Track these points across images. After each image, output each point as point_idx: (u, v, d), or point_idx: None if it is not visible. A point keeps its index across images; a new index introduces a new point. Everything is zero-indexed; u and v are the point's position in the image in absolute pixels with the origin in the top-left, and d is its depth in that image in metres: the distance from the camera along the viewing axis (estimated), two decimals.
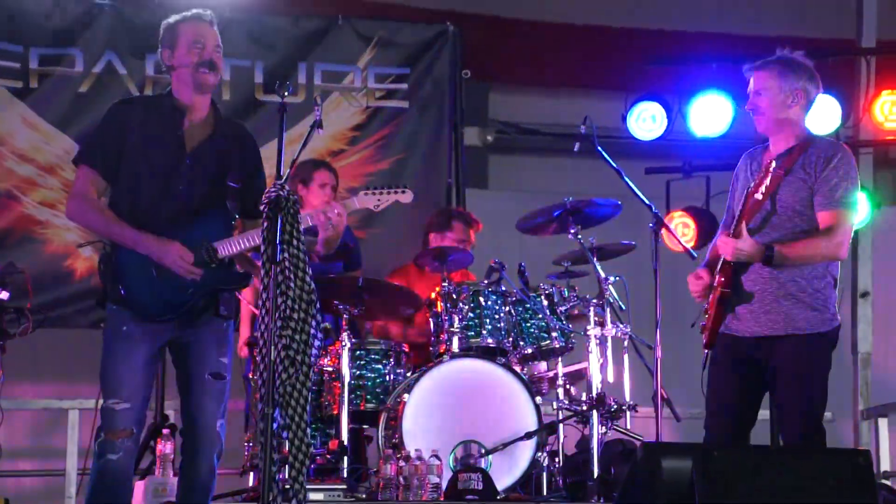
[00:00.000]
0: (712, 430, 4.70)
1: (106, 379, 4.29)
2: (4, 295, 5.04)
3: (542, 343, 5.87)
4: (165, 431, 5.73)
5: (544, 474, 5.58)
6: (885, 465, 7.22)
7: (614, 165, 5.93)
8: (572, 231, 5.94)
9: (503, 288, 5.90)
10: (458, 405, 5.54)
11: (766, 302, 4.62)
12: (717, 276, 4.69)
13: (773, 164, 4.59)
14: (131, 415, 4.26)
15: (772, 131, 4.73)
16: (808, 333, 4.59)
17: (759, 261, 4.58)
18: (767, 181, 4.58)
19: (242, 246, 4.38)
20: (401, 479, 5.21)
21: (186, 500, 4.36)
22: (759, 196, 4.59)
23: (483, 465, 5.36)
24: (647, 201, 5.92)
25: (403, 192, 4.82)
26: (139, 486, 5.45)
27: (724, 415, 4.68)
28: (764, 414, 6.33)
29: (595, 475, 5.48)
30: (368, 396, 5.71)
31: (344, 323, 5.65)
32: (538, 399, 5.67)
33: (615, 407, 5.71)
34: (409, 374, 5.72)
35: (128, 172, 4.36)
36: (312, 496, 5.13)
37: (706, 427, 4.74)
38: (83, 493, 6.59)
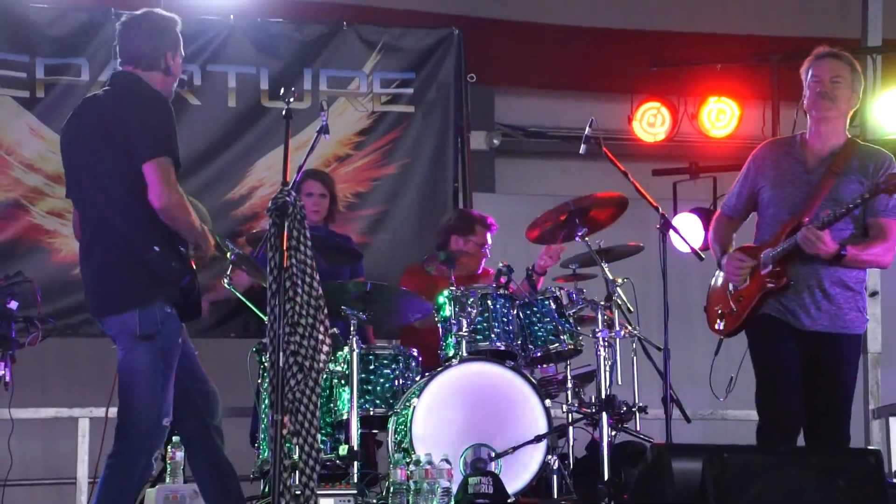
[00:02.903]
0: (784, 408, 4.63)
1: (166, 396, 4.36)
2: (13, 304, 5.04)
3: (551, 346, 5.86)
4: (176, 438, 5.73)
5: (554, 477, 5.57)
6: None
7: (621, 167, 5.92)
8: (579, 234, 5.94)
9: (511, 291, 5.89)
10: (468, 409, 5.53)
11: (817, 299, 4.64)
12: (768, 266, 4.67)
13: (832, 161, 4.62)
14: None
15: (831, 123, 4.75)
16: (853, 334, 4.63)
17: (829, 258, 4.56)
18: (821, 178, 4.60)
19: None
20: (411, 483, 5.20)
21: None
22: (814, 191, 4.60)
23: (493, 469, 5.35)
24: (654, 203, 5.91)
25: None
26: (150, 494, 5.46)
27: (795, 390, 4.62)
28: None
29: (605, 478, 5.46)
30: (378, 401, 5.71)
31: (352, 328, 5.64)
32: (548, 402, 5.66)
33: (625, 409, 5.69)
34: (418, 379, 5.72)
35: None
36: (323, 501, 5.13)
37: (773, 406, 4.65)
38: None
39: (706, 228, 7.55)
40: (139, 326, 4.33)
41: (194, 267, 4.47)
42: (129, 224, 4.36)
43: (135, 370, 4.38)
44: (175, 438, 5.73)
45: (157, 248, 4.29)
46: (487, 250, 6.44)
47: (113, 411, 6.75)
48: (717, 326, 4.85)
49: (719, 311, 4.84)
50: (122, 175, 4.35)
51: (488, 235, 6.47)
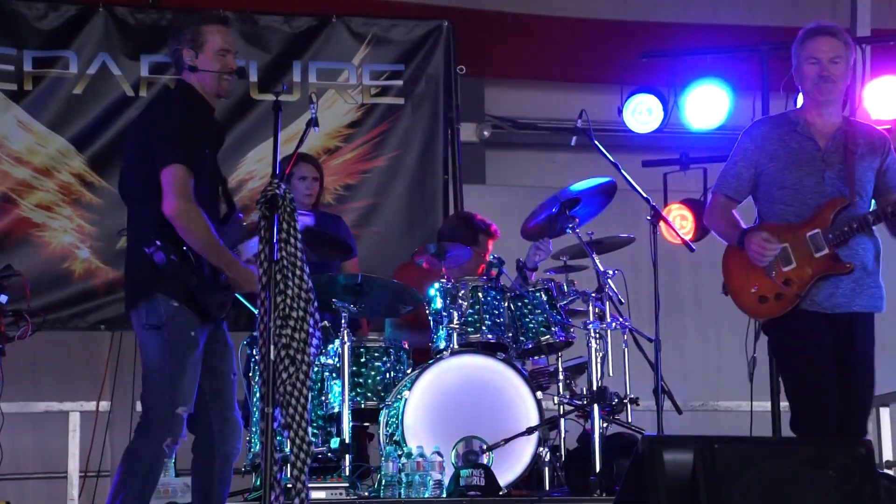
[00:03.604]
0: (823, 409, 4.56)
1: (178, 386, 4.38)
2: (3, 298, 5.02)
3: (542, 338, 5.86)
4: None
5: (546, 469, 5.58)
6: (886, 455, 7.22)
7: (611, 159, 5.93)
8: (570, 225, 5.94)
9: (502, 283, 5.90)
10: (459, 401, 5.54)
11: (854, 278, 4.62)
12: (823, 248, 4.61)
13: (844, 139, 4.61)
14: (183, 424, 4.43)
15: (833, 103, 4.73)
16: (876, 314, 4.63)
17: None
18: (842, 157, 4.60)
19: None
20: (403, 476, 5.21)
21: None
22: (844, 171, 4.59)
23: (485, 461, 5.36)
24: (644, 194, 5.92)
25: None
26: None
27: (832, 397, 4.56)
28: (765, 405, 6.39)
29: (597, 469, 5.48)
30: (369, 394, 5.71)
31: (343, 321, 5.64)
32: (539, 394, 5.67)
33: (616, 401, 5.71)
34: (409, 371, 5.72)
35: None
36: (315, 495, 5.13)
37: (816, 406, 4.57)
38: (86, 495, 6.62)
39: (697, 220, 7.56)
40: (145, 316, 4.41)
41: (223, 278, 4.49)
42: (144, 224, 4.47)
43: (146, 360, 4.47)
44: None
45: (158, 242, 4.33)
46: (488, 255, 6.42)
47: (104, 405, 6.81)
48: (759, 307, 4.68)
49: (756, 292, 4.68)
50: (145, 179, 4.44)
51: (491, 243, 6.46)
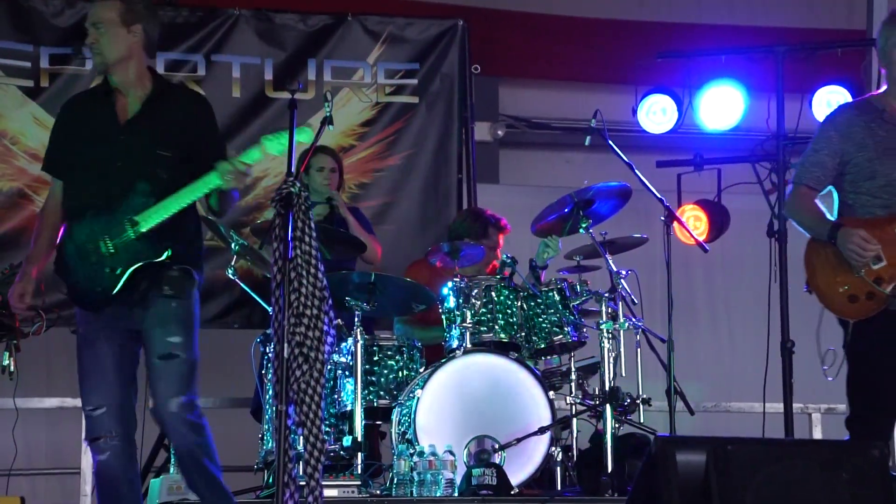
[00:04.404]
0: (880, 420, 4.49)
1: (82, 387, 4.41)
2: None
3: (555, 338, 5.86)
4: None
5: (558, 469, 5.58)
6: None
7: (625, 159, 5.93)
8: (583, 225, 5.94)
9: (515, 283, 5.90)
10: (472, 400, 5.54)
11: None
12: None
13: None
14: (107, 419, 4.34)
15: None
16: None
17: None
18: None
19: (168, 213, 4.32)
20: (415, 474, 5.22)
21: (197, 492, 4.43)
22: None
23: (497, 461, 5.36)
24: (658, 195, 5.92)
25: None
26: (155, 484, 5.48)
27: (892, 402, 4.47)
28: (777, 407, 6.38)
29: (609, 469, 5.48)
30: (382, 392, 5.72)
31: (357, 319, 5.65)
32: (551, 393, 5.67)
33: (628, 401, 5.70)
34: (422, 370, 5.73)
35: (68, 165, 4.45)
36: (327, 493, 5.14)
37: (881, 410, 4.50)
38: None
39: (710, 221, 7.55)
40: None
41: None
42: None
43: None
44: None
45: None
46: (499, 251, 6.43)
47: None
48: (848, 307, 4.48)
49: (845, 291, 4.49)
50: None
51: (501, 237, 6.46)
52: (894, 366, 4.50)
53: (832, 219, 4.60)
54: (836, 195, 4.68)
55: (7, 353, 4.94)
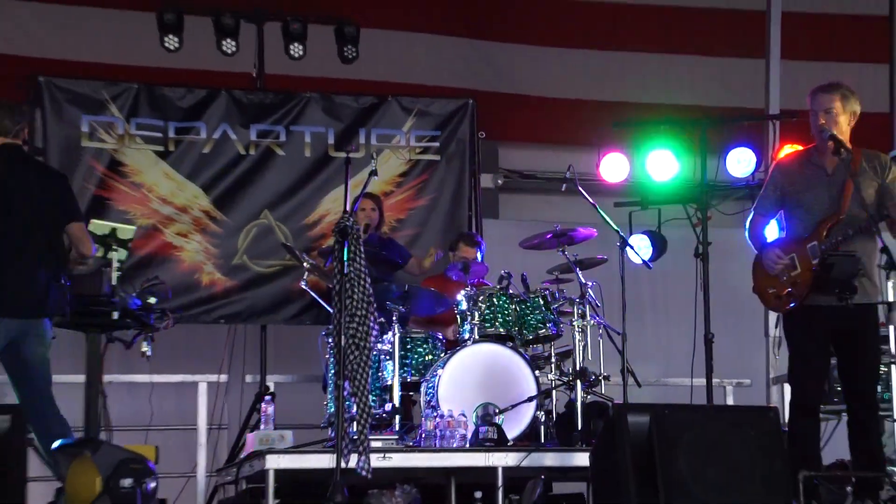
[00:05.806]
0: (808, 392, 4.41)
1: None
2: (153, 300, 5.08)
3: (540, 331, 5.86)
4: (267, 398, 5.77)
5: (542, 427, 5.57)
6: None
7: (591, 200, 5.94)
8: (560, 250, 5.95)
9: (510, 291, 5.90)
10: (479, 377, 5.53)
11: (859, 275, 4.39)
12: (817, 257, 4.38)
13: (847, 166, 4.38)
14: None
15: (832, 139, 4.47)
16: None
17: None
18: (844, 180, 4.38)
19: None
20: (437, 431, 5.22)
21: None
22: (842, 191, 4.40)
23: (497, 421, 5.35)
24: (615, 226, 5.92)
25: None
26: (250, 438, 5.48)
27: (819, 376, 4.45)
28: (701, 381, 6.30)
29: (579, 428, 5.46)
30: (413, 371, 5.72)
31: (395, 318, 5.67)
32: (537, 372, 5.66)
33: (593, 378, 5.69)
34: (443, 355, 5.73)
35: None
36: (373, 444, 5.13)
37: (799, 389, 4.41)
38: (209, 442, 6.64)
39: (653, 246, 7.54)
40: None
41: None
42: None
43: None
44: (266, 398, 5.78)
45: None
46: (475, 259, 6.37)
47: (223, 378, 6.82)
48: (775, 303, 4.52)
49: (773, 292, 4.51)
50: None
51: (473, 250, 6.45)
52: (807, 343, 4.48)
53: (765, 241, 4.66)
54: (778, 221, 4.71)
55: (145, 343, 4.95)
